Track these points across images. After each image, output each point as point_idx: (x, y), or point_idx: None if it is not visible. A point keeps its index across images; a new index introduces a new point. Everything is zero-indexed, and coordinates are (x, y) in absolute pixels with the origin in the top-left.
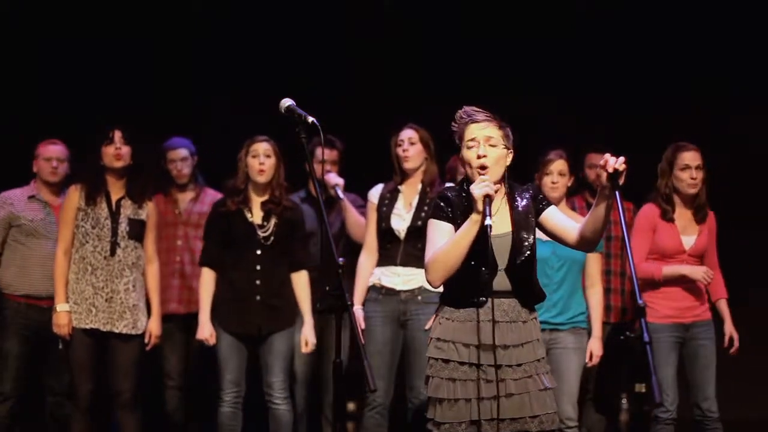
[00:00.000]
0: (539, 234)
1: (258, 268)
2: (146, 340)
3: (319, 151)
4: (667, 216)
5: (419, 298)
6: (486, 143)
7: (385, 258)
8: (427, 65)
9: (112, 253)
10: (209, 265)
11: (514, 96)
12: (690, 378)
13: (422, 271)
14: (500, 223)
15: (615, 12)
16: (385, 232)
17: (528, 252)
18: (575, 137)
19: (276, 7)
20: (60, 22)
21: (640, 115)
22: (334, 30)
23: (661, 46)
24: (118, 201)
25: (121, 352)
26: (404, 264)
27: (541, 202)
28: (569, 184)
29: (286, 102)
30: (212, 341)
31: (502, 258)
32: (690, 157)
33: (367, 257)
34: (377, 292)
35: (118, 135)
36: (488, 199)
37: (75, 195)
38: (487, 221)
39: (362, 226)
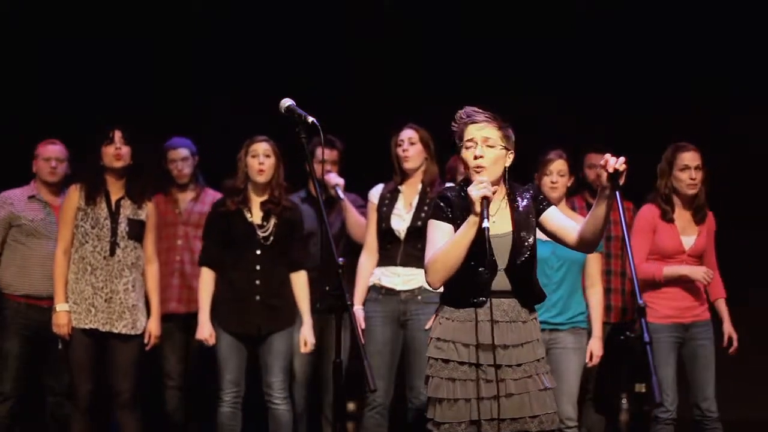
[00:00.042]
0: (538, 234)
1: (258, 268)
2: (146, 341)
3: (319, 151)
4: (667, 216)
5: (419, 298)
6: (483, 144)
7: (385, 258)
8: (427, 65)
9: (112, 253)
10: (208, 265)
11: (514, 96)
12: (689, 378)
13: (422, 271)
14: (501, 223)
15: (615, 12)
16: (385, 233)
17: (528, 252)
18: (575, 137)
19: (276, 7)
20: (60, 22)
21: (640, 115)
22: (334, 30)
23: (661, 46)
24: (118, 201)
25: (121, 352)
26: (404, 264)
27: (541, 203)
28: (569, 184)
29: (286, 102)
30: (212, 341)
31: (502, 258)
32: (689, 158)
33: (368, 257)
34: (377, 292)
35: (118, 135)
36: (486, 201)
37: (75, 195)
38: (485, 224)
39: (362, 226)
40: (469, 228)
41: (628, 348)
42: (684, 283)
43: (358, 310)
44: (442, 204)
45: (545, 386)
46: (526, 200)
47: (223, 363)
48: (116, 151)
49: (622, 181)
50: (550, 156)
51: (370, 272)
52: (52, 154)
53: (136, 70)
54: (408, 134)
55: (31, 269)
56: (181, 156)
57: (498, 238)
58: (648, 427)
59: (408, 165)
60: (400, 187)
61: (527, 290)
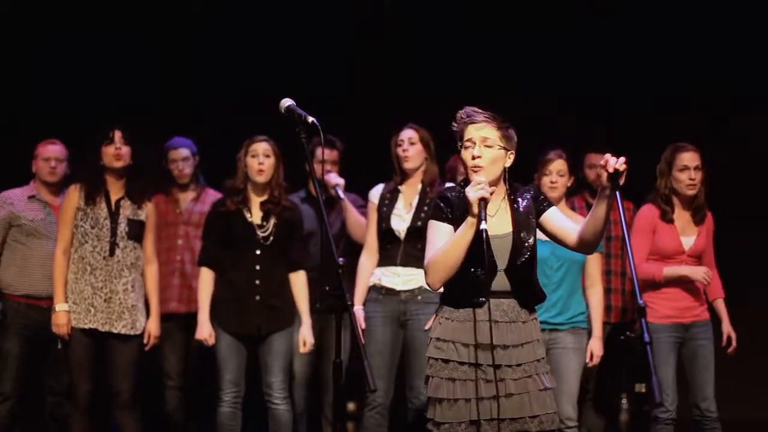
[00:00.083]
0: (538, 234)
1: (257, 268)
2: (145, 341)
3: (319, 151)
4: (667, 217)
5: (419, 298)
6: (482, 144)
7: (386, 258)
8: (427, 65)
9: (111, 253)
10: (208, 265)
11: (514, 96)
12: (689, 378)
13: (422, 271)
14: (501, 223)
15: (615, 12)
16: (385, 233)
17: (528, 253)
18: (575, 137)
19: (276, 7)
20: (60, 22)
21: (640, 115)
22: (334, 30)
23: (661, 46)
24: (118, 201)
25: (120, 352)
26: (404, 264)
27: (542, 203)
28: (569, 184)
29: (286, 102)
30: (211, 341)
31: (502, 258)
32: (689, 158)
33: (368, 257)
34: (377, 292)
35: (118, 135)
36: (483, 202)
37: (74, 195)
38: (483, 225)
39: (362, 226)
40: (467, 229)
41: (628, 348)
42: (684, 283)
43: (358, 310)
44: (442, 204)
45: (545, 386)
46: (526, 201)
47: (222, 363)
48: (116, 151)
49: (622, 181)
50: (549, 156)
51: (370, 272)
52: (51, 154)
53: (136, 70)
54: (408, 134)
55: (31, 269)
56: (182, 156)
57: (498, 239)
58: (648, 427)
59: (408, 165)
60: (400, 187)
61: (527, 291)
